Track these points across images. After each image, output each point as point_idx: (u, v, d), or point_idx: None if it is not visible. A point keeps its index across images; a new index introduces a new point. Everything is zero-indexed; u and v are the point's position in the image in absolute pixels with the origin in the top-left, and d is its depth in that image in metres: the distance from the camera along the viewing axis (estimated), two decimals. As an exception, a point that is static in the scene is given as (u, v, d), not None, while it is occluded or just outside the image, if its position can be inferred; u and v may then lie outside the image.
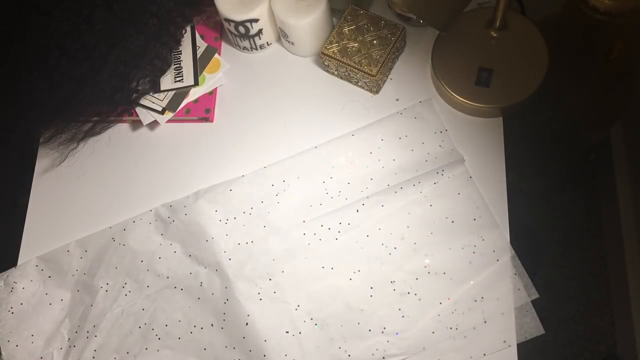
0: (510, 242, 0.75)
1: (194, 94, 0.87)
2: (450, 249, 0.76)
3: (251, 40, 0.88)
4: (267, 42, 0.90)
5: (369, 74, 0.82)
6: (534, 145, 1.11)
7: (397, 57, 0.88)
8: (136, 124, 0.89)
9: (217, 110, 0.88)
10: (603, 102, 1.00)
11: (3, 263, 0.83)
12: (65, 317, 0.80)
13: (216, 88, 0.89)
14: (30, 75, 0.79)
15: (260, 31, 0.87)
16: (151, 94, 0.87)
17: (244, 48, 0.91)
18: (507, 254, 0.75)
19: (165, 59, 0.86)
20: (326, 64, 0.87)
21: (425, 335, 0.73)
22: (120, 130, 0.89)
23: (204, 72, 0.88)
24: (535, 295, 0.73)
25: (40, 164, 0.88)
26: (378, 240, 0.77)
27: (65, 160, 0.87)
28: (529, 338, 0.72)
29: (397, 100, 0.85)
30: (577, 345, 1.33)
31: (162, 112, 0.86)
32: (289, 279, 0.77)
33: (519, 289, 0.73)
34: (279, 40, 0.92)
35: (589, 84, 0.95)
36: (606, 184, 1.36)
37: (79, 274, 0.81)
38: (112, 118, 0.87)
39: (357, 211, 0.79)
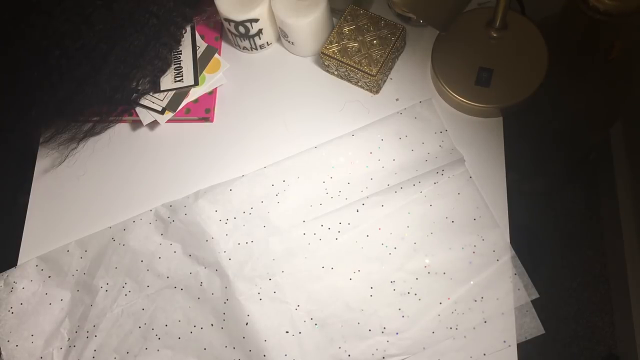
0: (510, 242, 0.75)
1: (194, 93, 0.87)
2: (450, 249, 0.76)
3: (251, 40, 0.88)
4: (267, 42, 0.90)
5: (369, 74, 0.82)
6: (534, 145, 1.11)
7: (397, 57, 0.88)
8: (136, 124, 0.89)
9: (217, 110, 0.88)
10: (603, 102, 1.00)
11: (3, 263, 0.83)
12: (65, 317, 0.80)
13: (216, 88, 0.89)
14: (31, 75, 0.79)
15: (260, 31, 0.87)
16: (151, 94, 0.87)
17: (244, 48, 0.91)
18: (507, 254, 0.75)
19: (165, 59, 0.86)
20: (326, 64, 0.87)
21: (425, 335, 0.73)
22: (120, 130, 0.89)
23: (204, 72, 0.88)
24: (535, 295, 0.73)
25: (40, 164, 0.88)
26: (378, 240, 0.77)
27: (66, 160, 0.87)
28: (529, 338, 0.72)
29: (397, 100, 0.85)
30: (577, 345, 1.33)
31: (162, 112, 0.86)
32: (289, 279, 0.77)
33: (519, 289, 0.73)
34: (279, 40, 0.92)
35: (589, 84, 0.95)
36: (606, 184, 1.36)
37: (79, 274, 0.81)
38: (112, 118, 0.87)
39: (357, 211, 0.79)
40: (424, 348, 0.72)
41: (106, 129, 0.88)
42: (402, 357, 0.73)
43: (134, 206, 0.84)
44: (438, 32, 0.85)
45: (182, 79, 0.87)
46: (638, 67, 0.97)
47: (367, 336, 0.74)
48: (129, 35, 0.81)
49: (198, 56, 0.88)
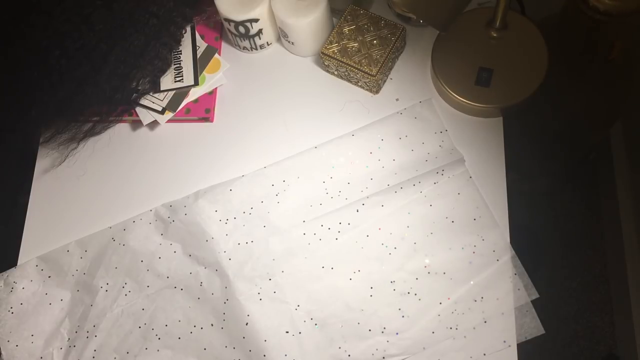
0: (510, 242, 0.75)
1: (194, 93, 0.87)
2: (450, 249, 0.76)
3: (251, 40, 0.88)
4: (267, 42, 0.90)
5: (369, 74, 0.82)
6: (534, 145, 1.11)
7: (397, 57, 0.88)
8: (136, 124, 0.89)
9: (217, 110, 0.88)
10: (603, 102, 1.00)
11: (3, 263, 0.83)
12: (65, 317, 0.80)
13: (216, 88, 0.89)
14: (31, 75, 0.79)
15: (260, 31, 0.87)
16: (151, 94, 0.87)
17: (244, 48, 0.91)
18: (507, 254, 0.75)
19: (165, 59, 0.86)
20: (326, 64, 0.87)
21: (425, 335, 0.73)
22: (120, 130, 0.89)
23: (204, 72, 0.88)
24: (535, 295, 0.73)
25: (40, 164, 0.88)
26: (378, 240, 0.77)
27: (66, 160, 0.87)
28: (529, 338, 0.72)
29: (397, 100, 0.85)
30: (577, 345, 1.33)
31: (162, 112, 0.86)
32: (289, 279, 0.77)
33: (519, 289, 0.73)
34: (279, 40, 0.92)
35: (589, 84, 0.95)
36: (606, 184, 1.36)
37: (79, 274, 0.81)
38: (112, 118, 0.87)
39: (357, 211, 0.79)
40: (424, 348, 0.72)
41: (106, 129, 0.88)
42: (402, 357, 0.73)
43: (134, 206, 0.84)
44: (438, 32, 0.85)
45: (182, 79, 0.87)
46: (638, 67, 0.97)
47: (367, 336, 0.74)
48: (129, 35, 0.81)
49: (198, 56, 0.88)
